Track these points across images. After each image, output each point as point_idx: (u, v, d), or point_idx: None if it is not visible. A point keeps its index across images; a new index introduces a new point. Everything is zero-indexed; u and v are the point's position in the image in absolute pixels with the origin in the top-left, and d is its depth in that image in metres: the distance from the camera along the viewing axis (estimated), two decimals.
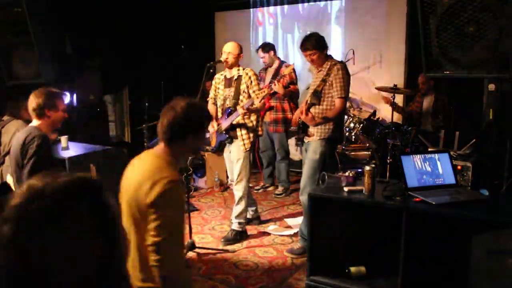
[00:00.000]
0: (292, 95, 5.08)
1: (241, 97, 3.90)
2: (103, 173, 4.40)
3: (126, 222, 1.78)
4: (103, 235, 0.79)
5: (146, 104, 6.32)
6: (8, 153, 4.05)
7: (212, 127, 4.06)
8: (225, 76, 4.07)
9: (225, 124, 3.94)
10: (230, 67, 3.97)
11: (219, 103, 4.07)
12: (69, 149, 4.35)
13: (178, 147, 1.82)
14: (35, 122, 2.55)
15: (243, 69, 3.98)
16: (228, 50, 3.94)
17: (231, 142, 4.03)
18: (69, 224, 0.74)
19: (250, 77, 3.92)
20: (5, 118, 4.19)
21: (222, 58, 3.95)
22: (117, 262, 0.82)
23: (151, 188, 1.67)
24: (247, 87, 3.90)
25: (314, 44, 3.50)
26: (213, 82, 4.16)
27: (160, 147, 1.83)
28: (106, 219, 0.80)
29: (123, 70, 6.61)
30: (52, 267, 0.72)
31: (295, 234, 4.08)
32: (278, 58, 5.33)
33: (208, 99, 4.22)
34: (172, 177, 1.72)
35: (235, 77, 3.96)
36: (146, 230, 1.70)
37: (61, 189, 0.76)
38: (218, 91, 4.10)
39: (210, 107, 4.13)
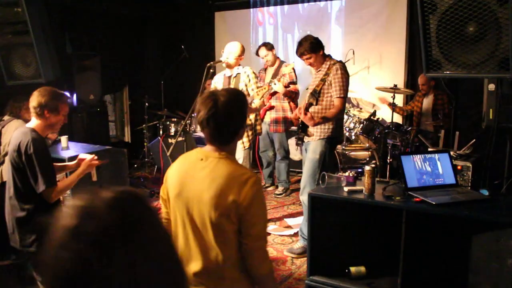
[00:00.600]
0: (292, 95, 5.07)
1: None
2: (103, 173, 4.41)
3: (193, 231, 1.66)
4: (163, 242, 0.77)
5: (146, 104, 6.32)
6: (8, 153, 4.05)
7: None
8: (224, 75, 4.10)
9: None
10: (231, 67, 3.98)
11: None
12: (69, 149, 4.36)
13: (232, 144, 1.74)
14: (32, 122, 2.49)
15: (243, 67, 4.01)
16: (229, 50, 3.95)
17: None
18: (129, 234, 0.71)
19: (248, 75, 3.94)
20: (6, 118, 4.19)
21: (223, 58, 3.96)
22: (180, 265, 0.81)
23: (240, 190, 1.59)
24: (246, 85, 3.91)
25: (309, 48, 3.49)
26: (213, 81, 4.18)
27: (215, 147, 1.69)
28: (158, 222, 0.79)
29: (123, 70, 6.62)
30: (119, 281, 0.68)
31: (295, 234, 4.08)
32: (278, 58, 5.32)
33: None
34: (254, 175, 1.67)
35: (234, 75, 3.99)
36: (236, 235, 1.63)
37: (113, 203, 0.73)
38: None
39: None
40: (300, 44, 3.55)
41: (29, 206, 2.43)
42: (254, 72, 4.01)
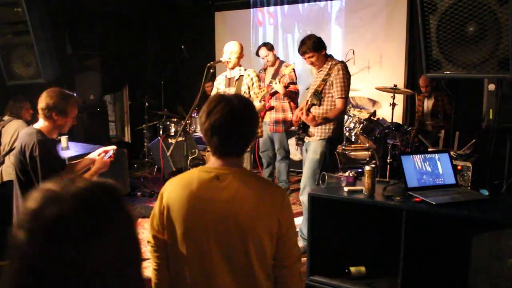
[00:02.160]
0: (292, 95, 5.07)
1: None
2: (103, 173, 4.41)
3: (225, 261, 1.45)
4: (126, 238, 0.76)
5: (146, 104, 6.32)
6: (8, 153, 4.05)
7: None
8: (225, 76, 4.11)
9: None
10: (232, 67, 3.97)
11: None
12: (69, 149, 4.36)
13: (242, 157, 1.57)
14: (39, 123, 2.45)
15: (245, 69, 4.01)
16: (230, 49, 3.95)
17: None
18: (88, 229, 0.70)
19: (252, 78, 3.95)
20: (6, 118, 4.19)
21: (224, 58, 3.96)
22: (138, 265, 0.80)
23: (281, 207, 1.47)
24: (248, 88, 3.92)
25: (311, 47, 3.50)
26: (215, 83, 4.21)
27: (224, 161, 1.49)
28: (127, 222, 0.78)
29: (123, 70, 6.62)
30: (70, 273, 0.68)
31: None
32: (278, 58, 5.32)
33: None
34: (284, 190, 1.59)
35: (236, 77, 4.00)
36: (271, 260, 1.49)
37: (80, 194, 0.73)
38: (218, 91, 4.14)
39: None
40: (302, 42, 3.56)
41: None
42: (257, 75, 4.03)
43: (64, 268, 0.68)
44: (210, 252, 1.44)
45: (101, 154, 2.66)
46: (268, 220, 1.44)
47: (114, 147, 2.72)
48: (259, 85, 3.99)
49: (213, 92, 4.21)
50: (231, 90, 3.98)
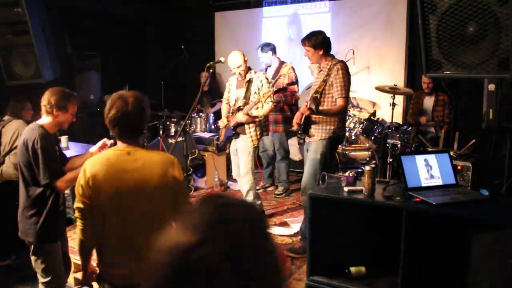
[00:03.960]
0: (286, 99, 5.06)
1: (251, 97, 4.12)
2: None
3: (135, 218, 1.90)
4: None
5: None
6: (8, 153, 4.05)
7: (223, 123, 4.38)
8: (237, 78, 4.27)
9: (232, 121, 4.22)
10: (245, 76, 4.16)
11: (231, 102, 4.34)
12: (69, 149, 4.36)
13: (139, 140, 2.03)
14: (42, 119, 2.63)
15: (255, 72, 4.19)
16: (236, 65, 4.10)
17: (237, 138, 4.27)
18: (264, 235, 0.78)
19: (261, 80, 4.13)
20: (6, 118, 4.19)
21: (236, 74, 4.16)
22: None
23: (174, 169, 1.93)
24: (258, 89, 4.12)
25: (311, 42, 3.57)
26: (227, 83, 4.42)
27: (128, 143, 1.94)
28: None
29: (123, 70, 6.62)
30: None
31: (295, 234, 4.07)
32: (278, 59, 5.32)
33: (222, 99, 4.59)
34: (173, 156, 2.03)
35: (247, 79, 4.15)
36: (174, 203, 1.93)
37: (244, 203, 0.82)
38: (230, 92, 4.36)
39: (224, 106, 4.48)
40: (308, 34, 3.64)
41: (35, 197, 2.54)
42: (266, 77, 4.22)
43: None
44: (131, 209, 1.89)
45: (102, 145, 2.74)
46: (169, 179, 1.90)
47: (112, 141, 2.80)
48: (268, 86, 4.16)
49: (226, 92, 4.46)
50: (242, 91, 4.17)
